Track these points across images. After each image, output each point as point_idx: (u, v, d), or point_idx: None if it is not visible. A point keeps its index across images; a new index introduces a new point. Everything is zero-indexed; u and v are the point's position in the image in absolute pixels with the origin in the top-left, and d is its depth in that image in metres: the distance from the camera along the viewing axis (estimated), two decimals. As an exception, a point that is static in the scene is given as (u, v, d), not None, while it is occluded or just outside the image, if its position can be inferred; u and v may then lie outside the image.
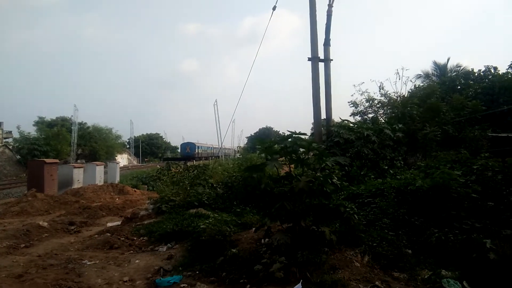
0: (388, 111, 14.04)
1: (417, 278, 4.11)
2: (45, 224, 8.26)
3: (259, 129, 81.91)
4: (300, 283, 3.86)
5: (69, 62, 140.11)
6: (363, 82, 15.86)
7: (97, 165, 18.59)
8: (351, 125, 9.29)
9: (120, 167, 26.57)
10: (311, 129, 13.07)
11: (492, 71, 24.91)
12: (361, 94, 15.01)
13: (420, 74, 27.14)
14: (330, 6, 9.57)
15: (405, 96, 14.74)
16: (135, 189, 16.52)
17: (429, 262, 4.46)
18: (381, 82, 15.25)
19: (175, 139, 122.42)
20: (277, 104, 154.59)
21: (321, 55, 9.44)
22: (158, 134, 76.54)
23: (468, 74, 25.79)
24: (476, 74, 25.41)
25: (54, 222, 8.66)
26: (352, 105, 15.86)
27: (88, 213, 10.19)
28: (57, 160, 18.75)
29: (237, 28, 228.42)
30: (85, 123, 43.39)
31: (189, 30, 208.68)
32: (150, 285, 4.57)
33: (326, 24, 9.60)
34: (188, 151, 53.95)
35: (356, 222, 4.83)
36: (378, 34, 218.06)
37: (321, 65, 9.47)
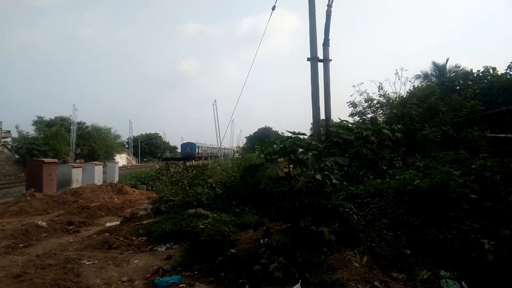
0: (387, 111, 14.07)
1: (416, 278, 4.12)
2: (44, 224, 8.24)
3: (258, 129, 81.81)
4: (299, 283, 3.86)
5: (68, 62, 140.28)
6: (362, 83, 15.94)
7: (96, 165, 18.57)
8: (350, 125, 9.30)
9: (119, 167, 26.58)
10: (310, 129, 13.11)
11: (491, 71, 24.93)
12: (360, 95, 15.07)
13: (419, 75, 27.21)
14: (329, 6, 9.57)
15: (404, 96, 14.78)
16: (134, 189, 16.51)
17: (428, 262, 4.47)
18: (380, 83, 15.32)
19: (174, 139, 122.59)
20: (276, 104, 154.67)
21: (320, 55, 9.44)
22: (157, 134, 76.46)
23: (467, 75, 25.82)
24: (475, 75, 25.44)
25: (52, 222, 8.64)
26: (351, 106, 15.92)
27: (87, 213, 10.17)
28: (55, 160, 18.74)
29: (237, 28, 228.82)
30: (84, 123, 43.28)
31: (188, 30, 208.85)
32: (149, 285, 4.57)
33: (326, 24, 9.60)
34: (189, 151, 54.05)
35: (355, 222, 4.82)
36: (378, 34, 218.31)
37: (321, 65, 9.48)
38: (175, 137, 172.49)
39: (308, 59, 9.32)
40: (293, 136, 4.78)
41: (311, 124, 10.96)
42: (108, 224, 8.86)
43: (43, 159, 16.87)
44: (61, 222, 8.67)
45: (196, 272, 4.78)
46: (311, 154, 4.96)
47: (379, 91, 15.31)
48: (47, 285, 4.44)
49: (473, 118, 13.66)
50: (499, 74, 23.93)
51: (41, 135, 33.94)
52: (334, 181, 4.54)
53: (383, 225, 5.24)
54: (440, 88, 19.10)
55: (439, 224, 5.10)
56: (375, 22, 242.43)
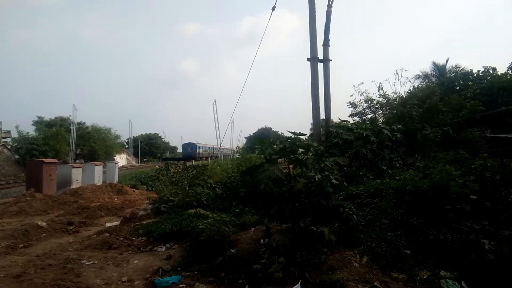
0: (387, 112, 14.08)
1: (416, 278, 4.11)
2: (44, 224, 8.23)
3: (258, 129, 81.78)
4: (299, 284, 3.86)
5: (68, 62, 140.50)
6: (362, 83, 15.94)
7: (95, 165, 18.57)
8: (350, 125, 9.30)
9: (119, 167, 26.60)
10: (310, 129, 13.09)
11: (491, 72, 24.94)
12: (360, 95, 15.08)
13: (419, 75, 27.24)
14: (329, 6, 9.56)
15: (404, 96, 14.79)
16: (134, 189, 16.51)
17: (428, 262, 4.46)
18: (380, 83, 15.35)
19: (174, 139, 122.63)
20: (276, 104, 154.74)
21: (320, 55, 9.44)
22: (157, 134, 76.54)
23: (467, 75, 25.83)
24: (475, 75, 25.45)
25: (52, 222, 8.64)
26: (350, 106, 15.93)
27: (86, 213, 10.17)
28: (55, 160, 18.75)
29: (237, 28, 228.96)
30: (84, 123, 43.29)
31: (188, 30, 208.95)
32: (149, 285, 4.57)
33: (326, 24, 9.60)
34: (190, 151, 54.23)
35: (355, 223, 4.82)
36: (378, 34, 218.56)
37: (321, 66, 9.47)
38: (175, 137, 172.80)
39: (308, 59, 9.31)
40: (293, 136, 4.78)
41: (311, 124, 10.96)
42: (108, 224, 8.85)
43: (43, 159, 16.87)
44: (61, 222, 8.67)
45: (196, 272, 4.78)
46: (311, 154, 4.96)
47: (379, 91, 15.35)
48: (47, 285, 4.44)
49: (473, 118, 13.66)
50: (499, 74, 23.94)
51: (41, 135, 33.93)
52: (334, 181, 4.54)
53: (383, 225, 5.24)
54: (440, 88, 19.12)
55: (439, 224, 5.09)
56: (375, 22, 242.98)
